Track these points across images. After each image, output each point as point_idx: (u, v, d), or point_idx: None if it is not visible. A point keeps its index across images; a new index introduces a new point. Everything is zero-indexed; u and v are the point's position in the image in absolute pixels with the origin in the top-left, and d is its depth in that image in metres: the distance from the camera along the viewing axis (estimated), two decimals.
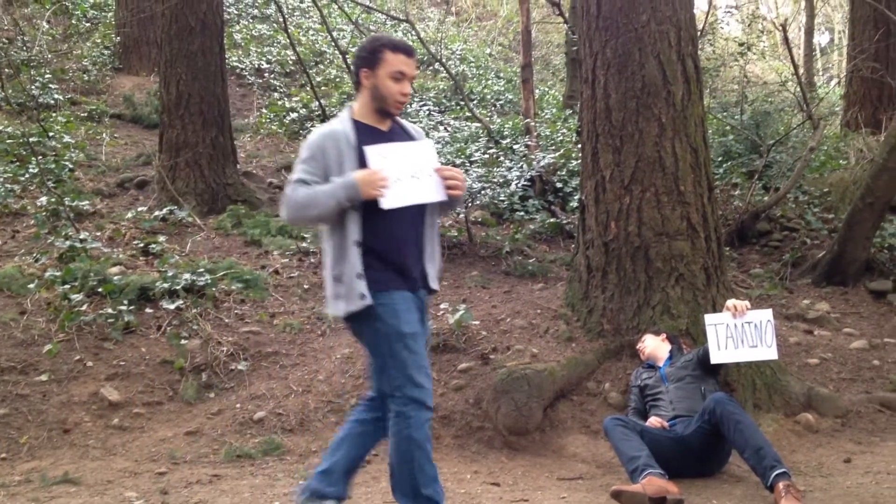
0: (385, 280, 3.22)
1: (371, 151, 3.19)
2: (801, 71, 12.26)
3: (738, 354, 4.42)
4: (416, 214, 3.30)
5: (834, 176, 9.29)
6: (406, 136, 3.41)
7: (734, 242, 8.24)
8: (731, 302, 4.48)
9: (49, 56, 11.84)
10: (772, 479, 3.93)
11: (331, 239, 3.25)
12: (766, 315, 4.39)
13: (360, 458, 3.43)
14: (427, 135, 9.03)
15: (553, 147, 9.68)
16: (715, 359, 4.47)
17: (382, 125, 3.36)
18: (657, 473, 4.02)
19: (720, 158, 9.79)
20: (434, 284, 3.40)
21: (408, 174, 3.22)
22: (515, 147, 8.95)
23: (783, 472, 3.94)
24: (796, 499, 3.83)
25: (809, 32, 16.46)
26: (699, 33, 9.67)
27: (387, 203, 3.15)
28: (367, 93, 3.30)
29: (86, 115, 10.70)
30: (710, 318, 4.53)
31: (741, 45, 11.18)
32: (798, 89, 10.11)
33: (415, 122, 10.60)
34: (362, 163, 3.19)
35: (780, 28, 10.75)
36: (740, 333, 4.36)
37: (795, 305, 7.01)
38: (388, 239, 3.24)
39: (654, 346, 5.06)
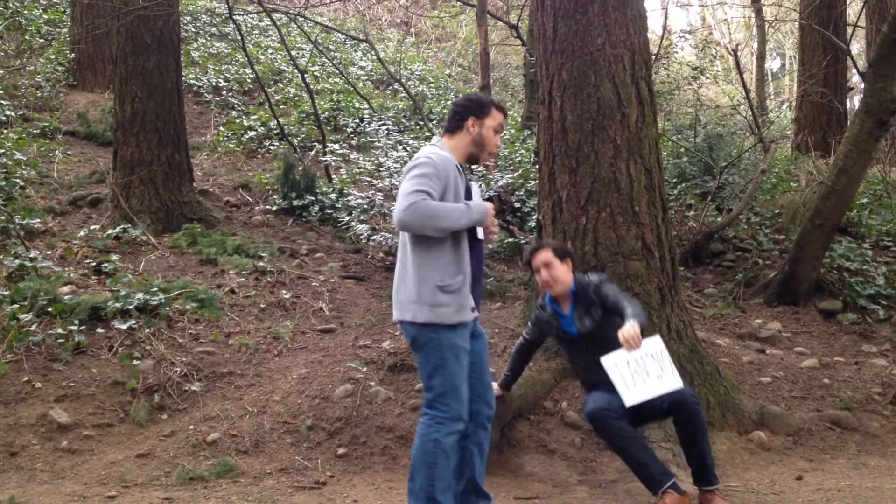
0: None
1: (474, 186, 3.77)
2: (753, 95, 12.55)
3: (648, 390, 4.07)
4: (479, 242, 3.80)
5: (785, 198, 9.49)
6: None
7: (688, 262, 8.36)
8: (622, 335, 4.03)
9: (1, 72, 11.64)
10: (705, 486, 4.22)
11: (439, 251, 3.56)
12: (656, 343, 4.13)
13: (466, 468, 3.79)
14: (385, 154, 9.06)
15: (511, 167, 9.75)
16: (629, 401, 4.08)
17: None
18: (675, 487, 4.08)
19: (674, 180, 9.94)
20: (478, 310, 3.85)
21: None
22: (474, 167, 8.99)
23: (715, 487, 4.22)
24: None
25: (761, 58, 16.87)
26: (654, 57, 9.84)
27: (480, 234, 3.71)
28: (469, 138, 3.76)
29: (38, 131, 10.52)
30: (607, 360, 4.13)
31: (695, 69, 11.40)
32: (750, 113, 10.32)
33: (373, 141, 10.67)
34: (469, 194, 3.71)
35: (733, 53, 10.97)
36: (643, 366, 4.10)
37: (748, 324, 7.12)
38: (474, 263, 3.72)
39: (565, 277, 4.41)
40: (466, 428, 3.74)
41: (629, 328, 4.00)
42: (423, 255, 3.57)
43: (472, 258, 3.70)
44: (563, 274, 4.37)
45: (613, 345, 4.15)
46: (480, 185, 8.40)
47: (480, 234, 3.70)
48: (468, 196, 3.71)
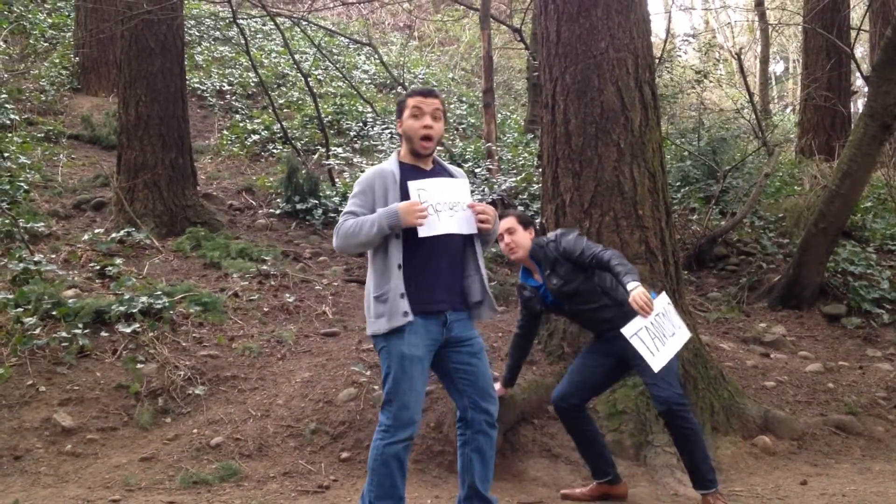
0: (419, 302, 3.57)
1: (412, 185, 3.61)
2: (757, 99, 12.54)
3: (668, 350, 4.09)
4: (456, 242, 3.68)
5: (789, 201, 9.48)
6: (446, 175, 3.79)
7: (692, 266, 8.35)
8: (635, 303, 3.93)
9: (5, 76, 11.67)
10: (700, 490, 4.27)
11: (374, 263, 3.64)
12: (664, 300, 4.16)
13: (466, 475, 3.78)
14: (388, 158, 9.09)
15: (514, 171, 9.76)
16: (656, 366, 4.05)
17: (425, 165, 3.77)
18: (602, 481, 4.48)
19: (678, 183, 9.94)
20: (475, 297, 3.76)
21: (445, 207, 3.64)
22: (477, 171, 8.99)
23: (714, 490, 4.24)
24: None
25: (764, 61, 16.84)
26: (657, 61, 9.84)
27: (423, 232, 3.55)
28: (403, 138, 3.78)
29: (42, 135, 10.54)
30: (627, 331, 4.01)
31: (698, 72, 11.40)
32: (753, 116, 10.32)
33: (377, 144, 10.68)
34: (405, 197, 3.60)
35: (736, 57, 10.98)
36: (660, 329, 4.06)
37: (752, 328, 7.11)
38: (426, 263, 3.61)
39: (526, 243, 4.45)
40: (465, 434, 3.75)
41: (639, 294, 3.92)
42: (369, 268, 3.70)
43: (427, 257, 3.61)
44: (525, 240, 4.42)
45: (589, 294, 4.31)
46: (484, 190, 8.40)
47: (420, 232, 3.53)
48: (405, 197, 3.62)
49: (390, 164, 3.73)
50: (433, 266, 3.64)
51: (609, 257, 4.14)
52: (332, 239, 3.66)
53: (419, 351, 3.57)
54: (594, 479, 4.51)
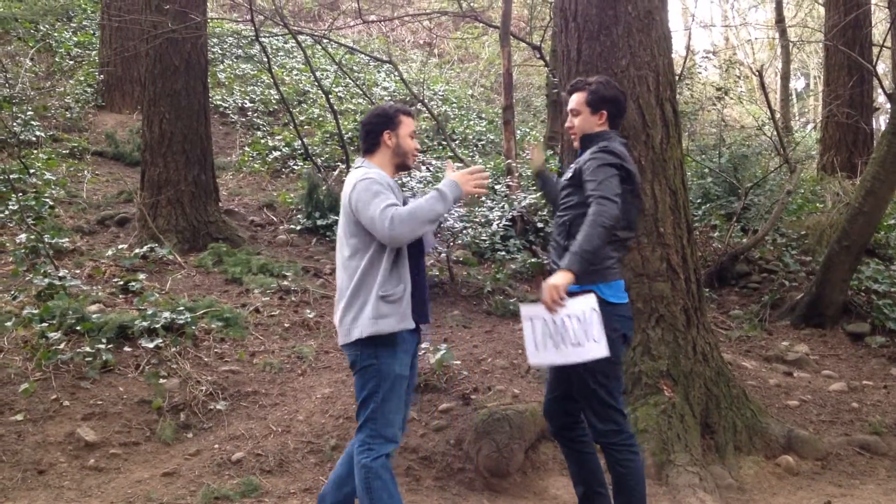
0: (416, 312, 3.55)
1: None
2: (778, 115, 12.48)
3: (560, 355, 3.51)
4: (421, 252, 3.70)
5: (811, 219, 9.42)
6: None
7: (714, 284, 8.30)
8: (545, 291, 3.42)
9: (31, 93, 11.84)
10: None
11: (378, 261, 3.50)
12: (589, 303, 3.51)
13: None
14: (409, 174, 9.14)
15: (534, 187, 9.76)
16: (533, 360, 3.61)
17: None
18: None
19: (699, 200, 9.90)
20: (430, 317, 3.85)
21: None
22: (497, 187, 9.01)
23: None
24: None
25: (785, 78, 16.76)
26: (678, 78, 9.83)
27: (428, 247, 3.71)
28: (390, 151, 3.73)
29: (67, 152, 10.68)
30: (526, 310, 3.60)
31: (719, 89, 11.37)
32: (775, 133, 10.26)
33: None
34: None
35: (757, 73, 10.94)
36: (561, 329, 3.48)
37: (775, 347, 7.05)
38: (421, 273, 3.66)
39: (588, 130, 3.81)
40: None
41: (553, 288, 3.37)
42: (362, 266, 3.51)
43: (420, 267, 3.66)
44: (586, 126, 3.80)
45: (567, 216, 3.72)
46: (504, 206, 8.41)
47: (428, 246, 3.70)
48: None
49: (382, 171, 3.65)
50: (424, 276, 3.71)
51: (590, 218, 3.43)
52: (387, 230, 3.35)
53: (407, 370, 3.56)
54: None
